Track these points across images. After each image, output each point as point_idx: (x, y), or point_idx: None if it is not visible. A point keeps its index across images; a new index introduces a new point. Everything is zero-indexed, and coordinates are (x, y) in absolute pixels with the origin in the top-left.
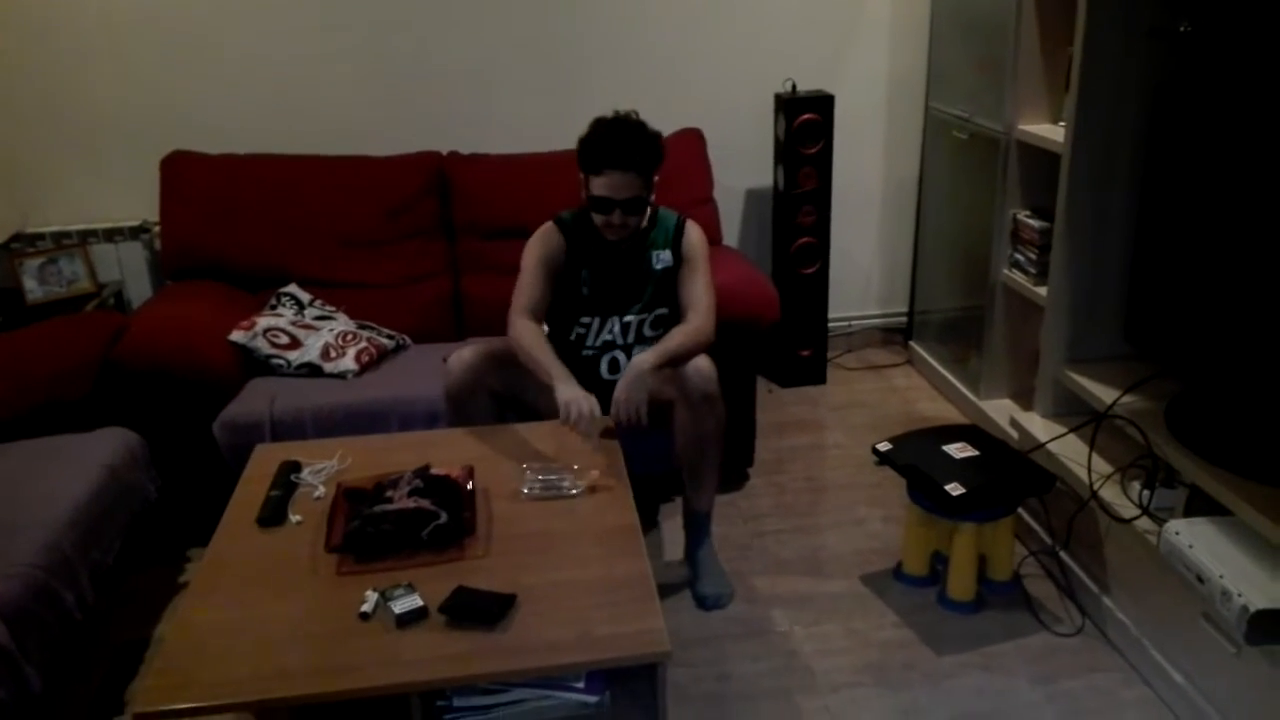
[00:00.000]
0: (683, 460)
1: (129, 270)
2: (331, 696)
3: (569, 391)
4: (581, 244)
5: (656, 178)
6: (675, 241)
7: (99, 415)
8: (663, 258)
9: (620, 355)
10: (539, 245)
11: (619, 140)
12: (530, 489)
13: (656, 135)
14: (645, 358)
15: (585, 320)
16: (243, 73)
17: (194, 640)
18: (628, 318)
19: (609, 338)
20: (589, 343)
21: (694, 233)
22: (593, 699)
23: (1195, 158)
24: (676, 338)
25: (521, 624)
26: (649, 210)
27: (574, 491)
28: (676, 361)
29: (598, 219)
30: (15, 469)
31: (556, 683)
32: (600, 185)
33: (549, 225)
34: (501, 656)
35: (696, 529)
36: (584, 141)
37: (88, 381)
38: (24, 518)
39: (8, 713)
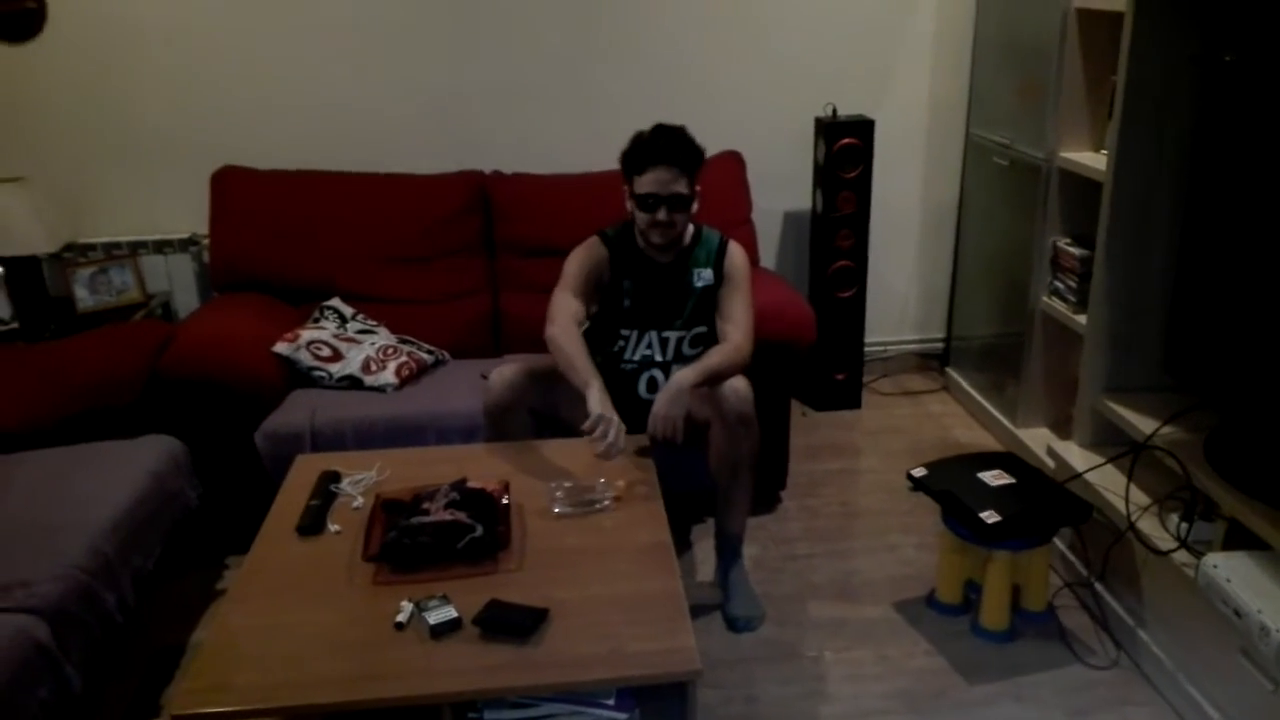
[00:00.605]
0: (716, 481)
1: (177, 281)
2: (365, 704)
3: (602, 407)
4: (625, 258)
5: (699, 187)
6: (718, 261)
7: (144, 423)
8: (704, 275)
9: (658, 374)
10: (583, 254)
11: (662, 139)
12: (560, 509)
13: (700, 145)
14: (686, 374)
15: (625, 333)
16: (293, 92)
17: (231, 645)
18: (666, 333)
19: (648, 353)
20: (628, 356)
21: (737, 253)
22: (622, 716)
23: (1238, 188)
24: (716, 356)
25: (553, 638)
26: (692, 224)
27: (604, 503)
28: (715, 380)
29: (643, 220)
30: (61, 473)
31: (586, 699)
32: (646, 183)
33: (593, 238)
34: (533, 670)
35: (728, 550)
36: (628, 148)
37: (134, 389)
38: (68, 520)
39: (48, 711)
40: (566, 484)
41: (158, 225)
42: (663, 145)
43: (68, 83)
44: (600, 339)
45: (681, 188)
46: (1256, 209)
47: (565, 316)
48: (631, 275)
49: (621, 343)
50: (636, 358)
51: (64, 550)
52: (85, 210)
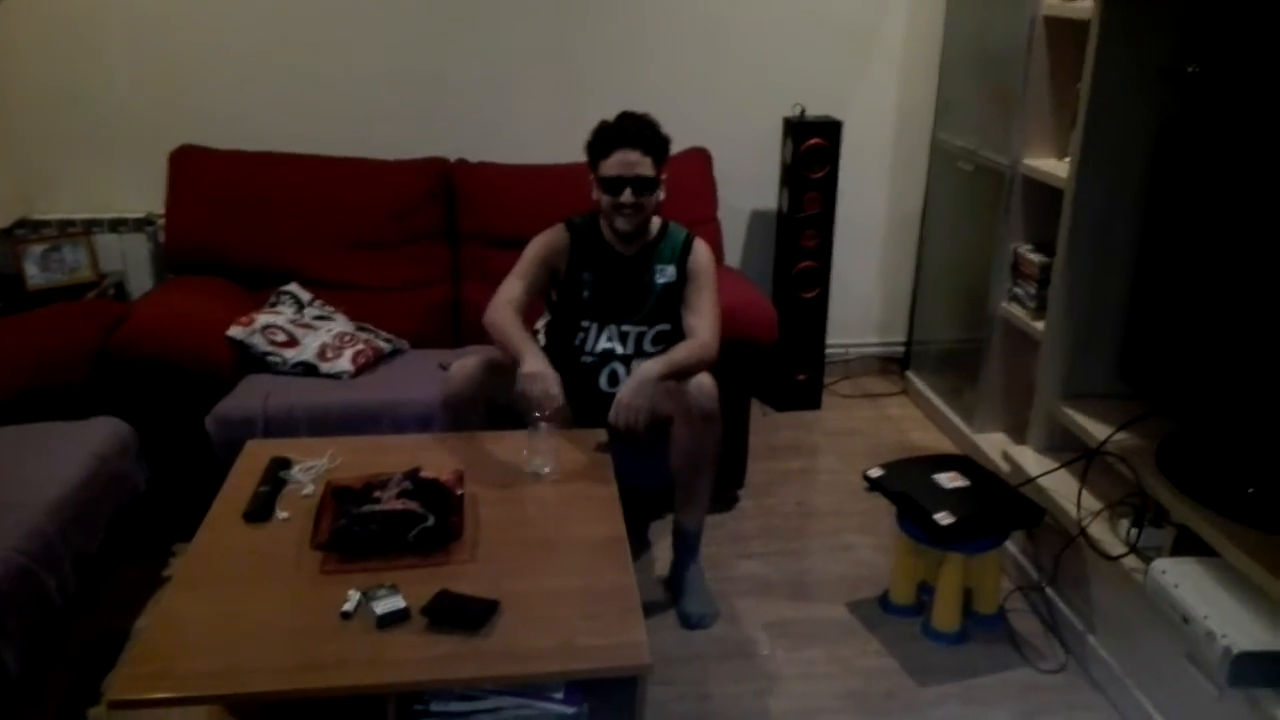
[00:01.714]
0: (677, 477)
1: (131, 262)
2: (308, 694)
3: (532, 365)
4: (587, 247)
5: (664, 177)
6: (682, 258)
7: (93, 404)
8: (667, 273)
9: (620, 367)
10: (541, 241)
11: (628, 122)
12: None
13: (662, 130)
14: (652, 365)
15: (585, 324)
16: (254, 70)
17: (174, 631)
18: (626, 327)
19: (609, 345)
20: (589, 348)
21: (701, 251)
22: (571, 710)
23: (1198, 198)
24: (682, 351)
25: (503, 630)
26: (659, 219)
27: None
28: (681, 375)
29: (608, 204)
30: (4, 453)
31: (535, 692)
32: (611, 165)
33: (558, 225)
34: (481, 662)
35: (685, 547)
36: (593, 133)
37: (82, 368)
38: (9, 500)
39: None
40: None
41: (113, 204)
42: (628, 128)
43: (24, 55)
44: (561, 331)
45: (647, 170)
46: (1214, 220)
47: (502, 300)
48: (592, 266)
49: (581, 334)
50: (598, 350)
51: (3, 530)
52: (39, 186)
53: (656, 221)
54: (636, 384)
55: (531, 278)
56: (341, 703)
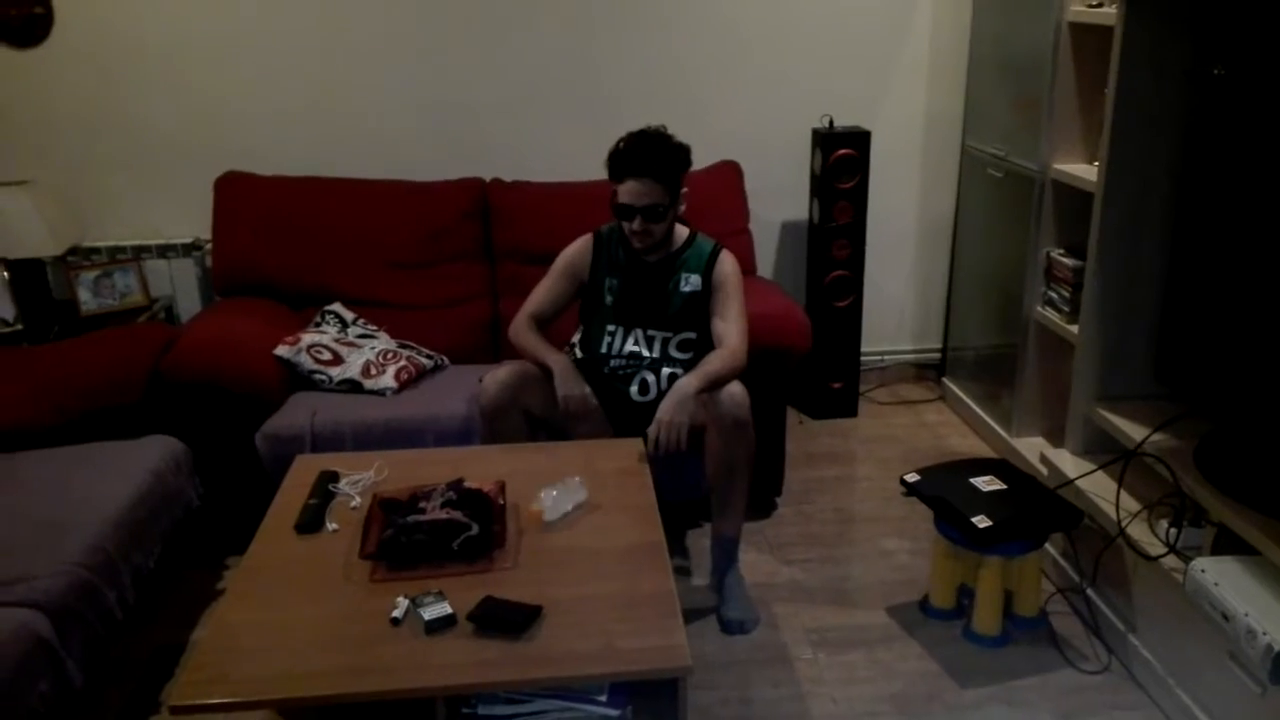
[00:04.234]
0: (712, 485)
1: (180, 286)
2: (359, 697)
3: (565, 388)
4: (613, 254)
5: (685, 189)
6: (708, 268)
7: (146, 423)
8: (691, 280)
9: (649, 376)
10: (566, 253)
11: (640, 149)
12: (551, 515)
13: (681, 146)
14: (689, 381)
15: (611, 329)
16: (295, 99)
17: (230, 639)
18: (652, 332)
19: (634, 348)
20: (615, 351)
21: (727, 262)
22: (614, 713)
23: (1228, 199)
24: (715, 362)
25: (546, 634)
26: (673, 223)
27: (579, 501)
28: (715, 386)
29: (624, 227)
30: (64, 472)
31: (579, 695)
32: (622, 193)
33: (586, 235)
34: (526, 665)
35: (724, 554)
36: (611, 152)
37: (137, 390)
38: (71, 518)
39: (49, 705)
40: (553, 492)
41: (161, 230)
42: (639, 156)
43: (74, 87)
44: (589, 339)
45: (657, 198)
46: (1246, 219)
47: (521, 316)
48: (617, 273)
49: (608, 339)
50: (624, 352)
51: (66, 547)
52: (90, 214)
53: (684, 231)
54: (676, 401)
55: (553, 289)
56: (391, 706)
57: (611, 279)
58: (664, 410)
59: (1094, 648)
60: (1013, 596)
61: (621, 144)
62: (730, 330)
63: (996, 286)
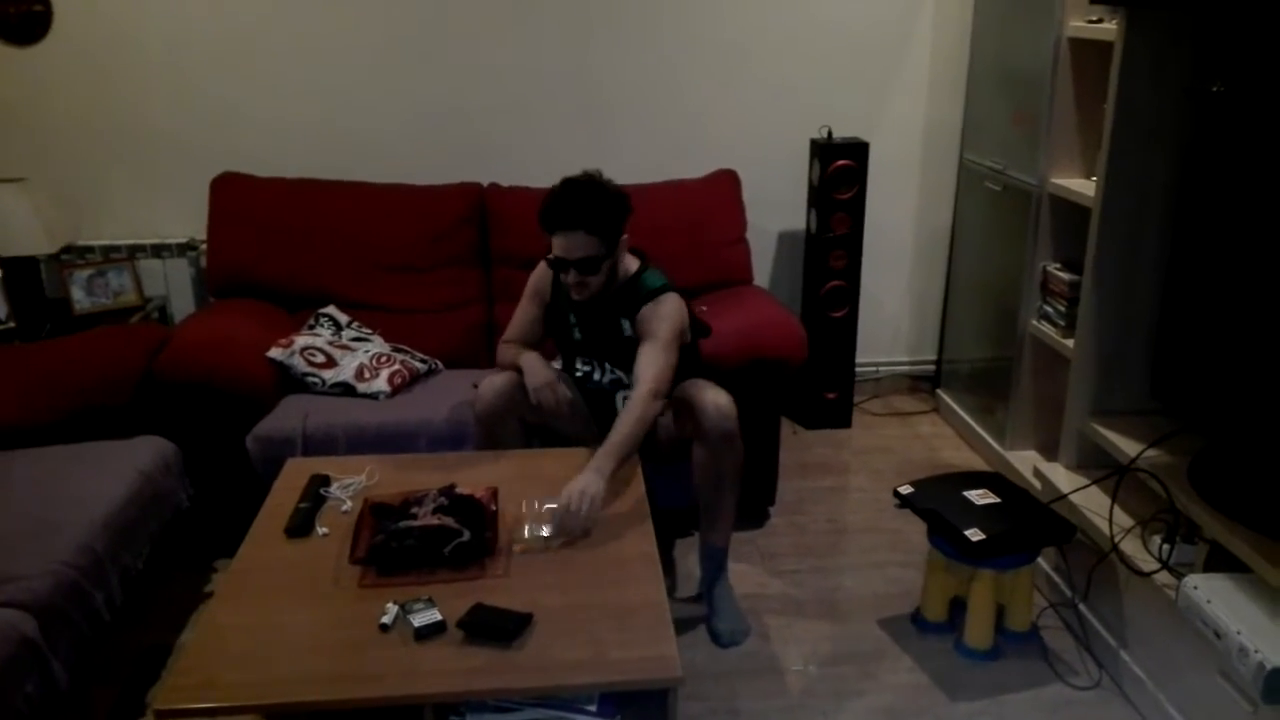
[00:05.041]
0: (700, 497)
1: (174, 286)
2: (348, 704)
3: (533, 378)
4: (565, 289)
5: (625, 236)
6: (640, 309)
7: (137, 424)
8: (625, 327)
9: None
10: (532, 278)
11: (569, 201)
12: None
13: (616, 195)
14: (596, 473)
15: (586, 361)
16: (294, 101)
17: (217, 643)
18: (617, 372)
19: (614, 376)
20: (594, 380)
21: (662, 304)
22: None
23: (1225, 216)
24: (624, 426)
25: (536, 643)
26: (610, 272)
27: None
28: (633, 445)
29: (561, 278)
30: (54, 471)
31: (569, 704)
32: (555, 246)
33: (542, 262)
34: (516, 674)
35: (713, 565)
36: (541, 204)
37: (128, 390)
38: (60, 517)
39: (34, 707)
40: (548, 506)
41: (156, 229)
42: (569, 208)
43: (71, 86)
44: (568, 367)
45: (591, 249)
46: (1244, 237)
47: (502, 344)
48: (575, 308)
49: (585, 369)
50: (605, 381)
51: (54, 547)
52: (85, 213)
53: (633, 265)
54: (580, 492)
55: (526, 313)
56: (379, 713)
57: (573, 314)
58: (574, 485)
59: (1085, 663)
60: (1005, 610)
61: (551, 197)
62: (641, 376)
63: (992, 299)
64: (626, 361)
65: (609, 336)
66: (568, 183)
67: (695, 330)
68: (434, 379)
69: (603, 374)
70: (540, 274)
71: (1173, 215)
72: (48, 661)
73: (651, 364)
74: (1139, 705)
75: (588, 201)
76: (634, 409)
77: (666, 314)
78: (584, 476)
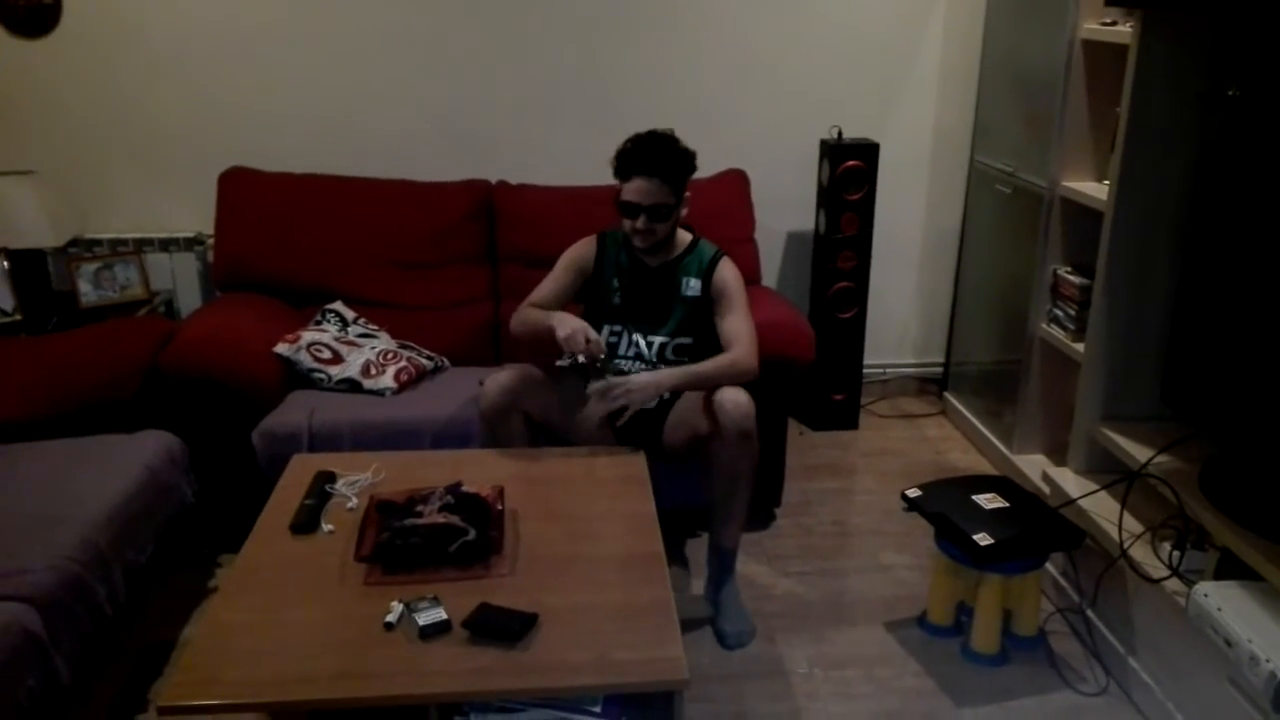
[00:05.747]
0: (714, 495)
1: (181, 280)
2: (352, 703)
3: (565, 328)
4: (616, 256)
5: (688, 194)
6: (707, 274)
7: (143, 418)
8: (693, 285)
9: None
10: (573, 250)
11: (648, 148)
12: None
13: (688, 150)
14: (669, 375)
15: (615, 329)
16: (303, 97)
17: (221, 640)
18: (651, 337)
19: (634, 351)
20: (617, 353)
21: (727, 269)
22: None
23: (1238, 221)
24: (709, 365)
25: (542, 643)
26: (676, 226)
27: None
28: (701, 385)
29: (626, 225)
30: (58, 465)
31: (573, 705)
32: (629, 191)
33: (590, 236)
34: (520, 674)
35: (721, 566)
36: (618, 151)
37: (133, 384)
38: (63, 511)
39: (35, 701)
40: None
41: (164, 223)
42: (647, 155)
43: (80, 79)
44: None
45: (663, 197)
46: (1257, 243)
47: (523, 305)
48: (621, 274)
49: (613, 339)
50: (629, 354)
51: (58, 541)
52: (92, 206)
53: (686, 236)
54: (643, 382)
55: (558, 281)
56: (383, 712)
57: (617, 279)
58: (632, 379)
59: (1092, 669)
60: (1012, 615)
61: (629, 143)
62: (738, 338)
63: (1001, 302)
64: (685, 324)
65: (660, 298)
66: (649, 132)
67: None
68: (440, 376)
69: (629, 344)
70: (584, 247)
71: (1185, 220)
72: (50, 656)
73: (745, 328)
74: (1147, 712)
75: (666, 151)
76: (723, 361)
77: (738, 281)
78: (643, 375)
